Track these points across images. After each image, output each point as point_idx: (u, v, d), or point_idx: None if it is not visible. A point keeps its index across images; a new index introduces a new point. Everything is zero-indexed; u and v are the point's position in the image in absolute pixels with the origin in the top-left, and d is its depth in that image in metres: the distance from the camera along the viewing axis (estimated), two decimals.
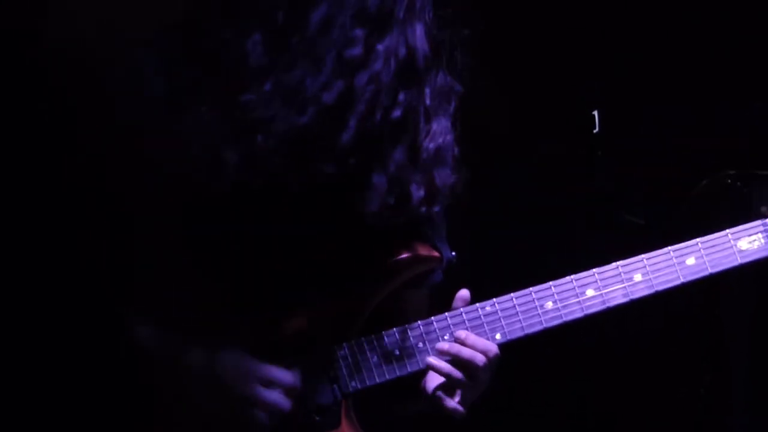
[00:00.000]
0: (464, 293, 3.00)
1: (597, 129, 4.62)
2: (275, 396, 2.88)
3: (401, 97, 2.87)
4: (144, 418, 2.90)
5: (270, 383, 2.88)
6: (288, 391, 2.89)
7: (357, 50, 2.84)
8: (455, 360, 2.93)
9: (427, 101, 2.92)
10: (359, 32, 2.85)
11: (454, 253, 3.01)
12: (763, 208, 4.24)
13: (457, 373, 2.92)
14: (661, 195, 4.71)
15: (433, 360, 2.94)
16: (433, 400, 2.98)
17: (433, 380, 2.99)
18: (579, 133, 4.69)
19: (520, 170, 4.77)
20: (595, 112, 4.61)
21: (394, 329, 2.97)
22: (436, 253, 2.98)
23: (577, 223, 4.73)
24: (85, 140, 2.91)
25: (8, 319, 2.93)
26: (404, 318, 2.99)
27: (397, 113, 2.87)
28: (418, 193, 2.91)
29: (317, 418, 2.93)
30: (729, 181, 4.40)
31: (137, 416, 2.89)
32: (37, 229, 2.94)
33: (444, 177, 2.96)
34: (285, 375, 2.89)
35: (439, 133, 2.95)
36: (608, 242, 4.51)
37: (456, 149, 3.01)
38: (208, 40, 2.88)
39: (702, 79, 4.70)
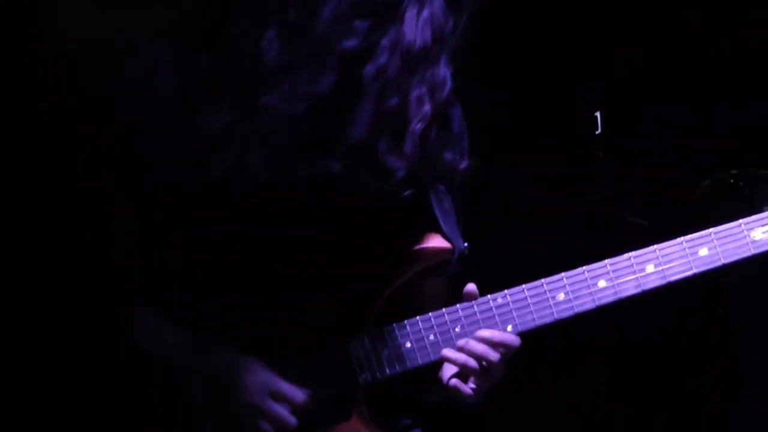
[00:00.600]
0: (472, 289, 2.98)
1: (599, 130, 4.62)
2: (283, 411, 2.87)
3: (403, 84, 2.87)
4: (144, 418, 2.87)
5: (279, 397, 2.87)
6: (296, 408, 2.88)
7: (363, 43, 2.84)
8: (470, 353, 2.91)
9: (429, 87, 2.91)
10: (365, 24, 2.84)
11: (466, 244, 3.00)
12: (766, 208, 4.24)
13: (473, 363, 2.90)
14: (661, 195, 4.71)
15: (447, 352, 2.92)
16: (448, 389, 2.95)
17: (449, 370, 2.96)
18: (580, 133, 4.68)
19: (520, 170, 4.76)
20: (597, 114, 4.61)
21: (406, 322, 2.95)
22: (447, 245, 2.96)
23: (577, 223, 4.72)
24: (91, 136, 2.90)
25: (9, 320, 2.91)
26: (421, 306, 2.97)
27: (399, 100, 2.87)
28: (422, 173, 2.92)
29: (327, 411, 2.91)
30: (731, 180, 4.40)
31: (137, 416, 2.87)
32: (38, 228, 2.92)
33: (451, 160, 2.95)
34: (295, 392, 2.89)
35: (443, 116, 2.96)
36: (609, 243, 4.49)
37: (463, 135, 3.01)
38: (221, 35, 2.87)
39: (702, 79, 4.71)
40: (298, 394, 2.88)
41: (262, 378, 2.87)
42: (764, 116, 4.59)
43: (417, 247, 2.95)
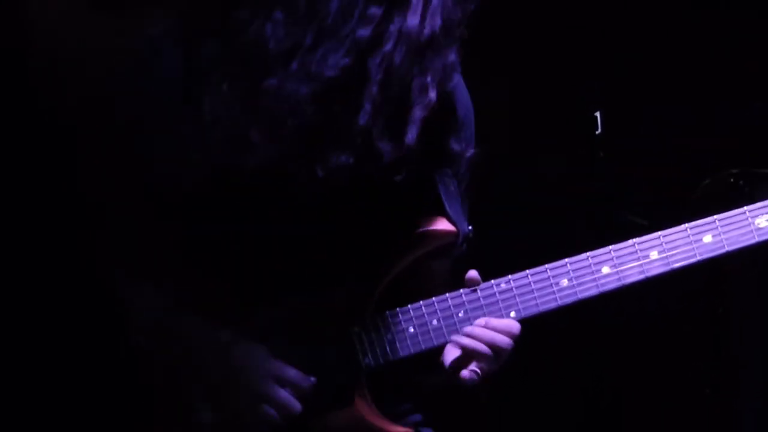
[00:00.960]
0: (474, 275, 2.98)
1: (599, 130, 4.62)
2: (288, 396, 2.86)
3: (406, 72, 2.86)
4: (144, 417, 2.86)
5: (284, 383, 2.86)
6: (300, 393, 2.87)
7: (373, 30, 2.83)
8: (479, 339, 2.90)
9: (434, 75, 2.90)
10: (376, 11, 2.84)
11: (470, 227, 2.99)
12: None
13: (483, 349, 2.89)
14: (661, 195, 4.70)
15: (458, 338, 2.92)
16: (451, 374, 2.94)
17: (451, 355, 2.95)
18: (580, 133, 4.68)
19: (520, 170, 4.76)
20: (598, 114, 4.61)
21: (409, 306, 2.94)
22: (452, 228, 2.95)
23: (577, 223, 4.72)
24: (91, 131, 2.89)
25: (8, 320, 2.90)
26: (425, 290, 2.96)
27: (401, 89, 2.86)
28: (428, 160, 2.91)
29: (330, 396, 2.89)
30: (731, 180, 4.40)
31: (137, 416, 2.86)
32: (38, 226, 2.91)
33: (456, 148, 2.95)
34: (300, 377, 2.88)
35: (450, 103, 2.95)
36: (610, 243, 4.49)
37: (470, 123, 3.01)
38: (226, 18, 2.86)
39: (702, 79, 4.71)
40: (304, 380, 2.87)
41: (266, 364, 2.86)
42: (764, 116, 4.60)
43: (421, 229, 2.94)
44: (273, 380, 2.86)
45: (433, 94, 2.88)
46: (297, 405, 2.86)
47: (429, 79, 2.88)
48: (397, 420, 2.96)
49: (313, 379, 2.88)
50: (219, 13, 2.89)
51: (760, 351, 4.34)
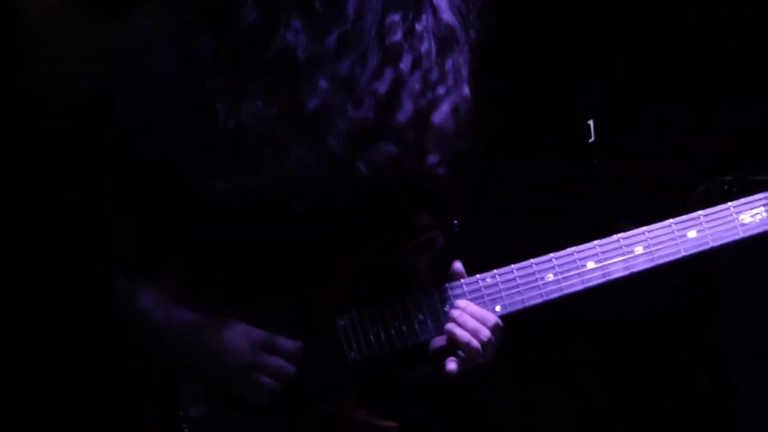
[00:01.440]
0: (458, 268, 2.99)
1: (593, 138, 4.63)
2: (278, 361, 2.87)
3: (446, 69, 2.88)
4: (141, 415, 2.89)
5: (272, 349, 2.86)
6: (291, 357, 2.88)
7: (398, 35, 2.85)
8: (462, 328, 2.92)
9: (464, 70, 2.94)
10: (397, 17, 2.85)
11: (456, 222, 3.01)
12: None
13: (470, 340, 2.91)
14: (660, 195, 4.70)
15: (451, 327, 2.94)
16: (435, 367, 2.96)
17: (436, 348, 2.97)
18: (579, 133, 4.69)
19: (520, 170, 4.77)
20: (591, 122, 4.61)
21: (395, 301, 2.96)
22: (437, 222, 2.97)
23: (578, 223, 4.72)
24: (92, 131, 2.91)
25: (7, 320, 2.92)
26: (408, 284, 2.98)
27: (442, 88, 2.89)
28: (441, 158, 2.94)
29: (318, 390, 2.91)
30: (725, 187, 4.40)
31: (136, 413, 2.88)
32: (39, 226, 2.94)
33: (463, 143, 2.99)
34: (286, 342, 2.89)
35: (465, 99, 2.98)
36: None
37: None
38: (229, 17, 2.86)
39: (702, 79, 4.71)
40: (289, 343, 2.88)
41: (250, 335, 2.87)
42: (764, 116, 4.59)
43: (408, 224, 2.96)
44: (261, 349, 2.87)
45: (466, 90, 2.92)
46: (290, 368, 2.87)
47: (460, 73, 2.91)
48: (385, 414, 2.97)
49: (300, 343, 2.89)
50: (217, 10, 2.89)
51: (747, 345, 4.34)
